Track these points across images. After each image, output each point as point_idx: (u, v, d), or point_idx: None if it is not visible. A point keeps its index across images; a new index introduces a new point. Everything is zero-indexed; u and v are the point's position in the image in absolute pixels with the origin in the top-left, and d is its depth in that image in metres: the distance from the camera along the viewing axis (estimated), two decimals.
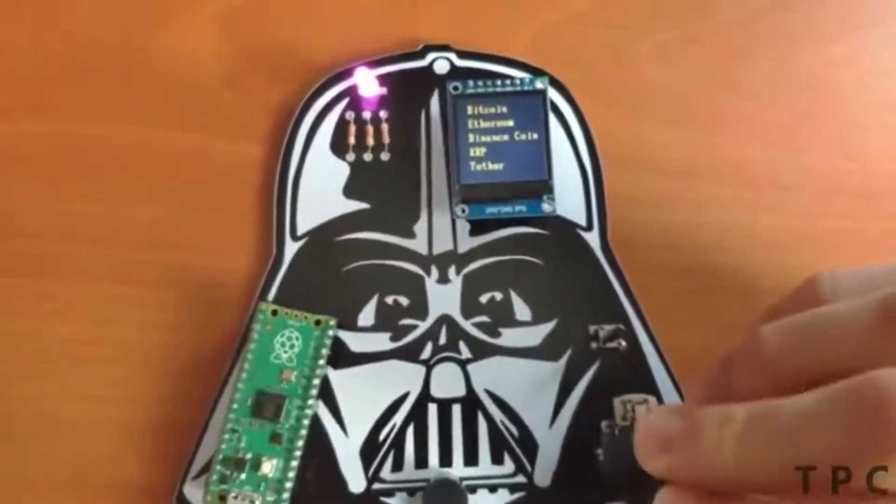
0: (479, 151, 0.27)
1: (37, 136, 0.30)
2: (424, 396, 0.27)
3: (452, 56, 0.30)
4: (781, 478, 0.18)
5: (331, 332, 0.27)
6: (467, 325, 0.28)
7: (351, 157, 0.29)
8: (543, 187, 0.27)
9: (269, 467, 0.25)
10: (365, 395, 0.27)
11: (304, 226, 0.28)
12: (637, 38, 0.31)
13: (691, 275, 0.29)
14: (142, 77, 0.30)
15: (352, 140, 0.29)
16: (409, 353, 0.27)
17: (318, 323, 0.27)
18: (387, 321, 0.28)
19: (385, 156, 0.29)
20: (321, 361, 0.26)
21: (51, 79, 0.30)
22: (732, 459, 0.18)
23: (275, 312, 0.27)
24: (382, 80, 0.29)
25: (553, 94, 0.29)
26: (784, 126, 0.30)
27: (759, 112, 0.30)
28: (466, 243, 0.28)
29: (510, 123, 0.27)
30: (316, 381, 0.26)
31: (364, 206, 0.29)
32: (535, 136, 0.27)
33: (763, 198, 0.29)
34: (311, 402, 0.26)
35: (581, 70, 0.30)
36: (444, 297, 0.28)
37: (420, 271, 0.28)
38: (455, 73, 0.29)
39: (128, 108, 0.30)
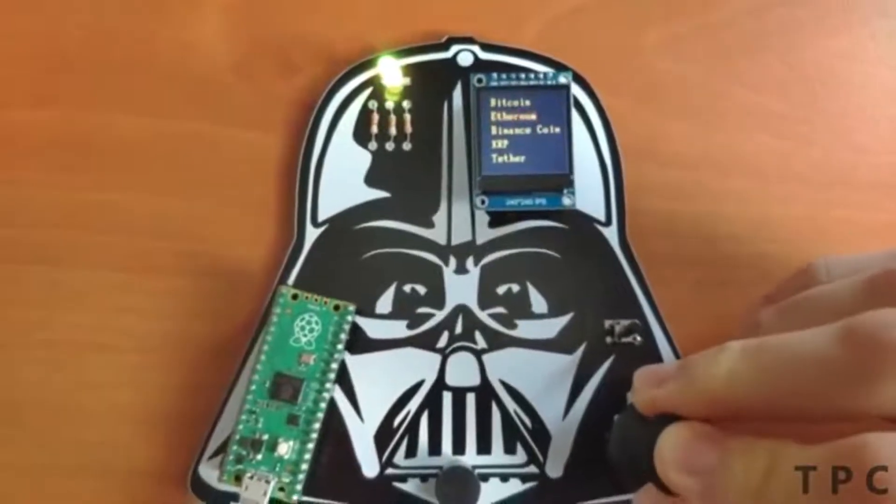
0: (500, 144, 0.28)
1: (47, 124, 0.30)
2: (439, 384, 0.27)
3: (476, 49, 0.30)
4: (770, 397, 0.19)
5: (349, 318, 0.27)
6: (483, 316, 0.28)
7: (373, 145, 0.29)
8: (564, 181, 0.27)
9: (285, 449, 0.26)
10: (381, 382, 0.27)
11: (324, 213, 0.29)
12: (645, 29, 0.31)
13: (701, 265, 0.29)
14: (152, 66, 0.30)
15: (374, 129, 0.29)
16: (425, 342, 0.28)
17: (337, 308, 0.27)
18: (404, 309, 0.28)
19: (407, 146, 0.29)
20: (339, 346, 0.27)
21: (61, 68, 0.30)
22: (724, 380, 0.19)
23: (295, 296, 0.27)
24: (406, 70, 0.30)
25: (576, 90, 0.29)
26: (792, 118, 0.30)
27: (767, 104, 0.30)
28: (485, 234, 0.29)
29: (533, 117, 0.28)
30: (334, 366, 0.26)
31: (385, 194, 0.29)
32: (558, 130, 0.28)
33: (773, 189, 0.30)
34: (328, 385, 0.26)
35: (589, 61, 0.30)
36: (461, 287, 0.28)
37: (438, 261, 0.28)
38: (478, 65, 0.30)
39: (137, 97, 0.30)
